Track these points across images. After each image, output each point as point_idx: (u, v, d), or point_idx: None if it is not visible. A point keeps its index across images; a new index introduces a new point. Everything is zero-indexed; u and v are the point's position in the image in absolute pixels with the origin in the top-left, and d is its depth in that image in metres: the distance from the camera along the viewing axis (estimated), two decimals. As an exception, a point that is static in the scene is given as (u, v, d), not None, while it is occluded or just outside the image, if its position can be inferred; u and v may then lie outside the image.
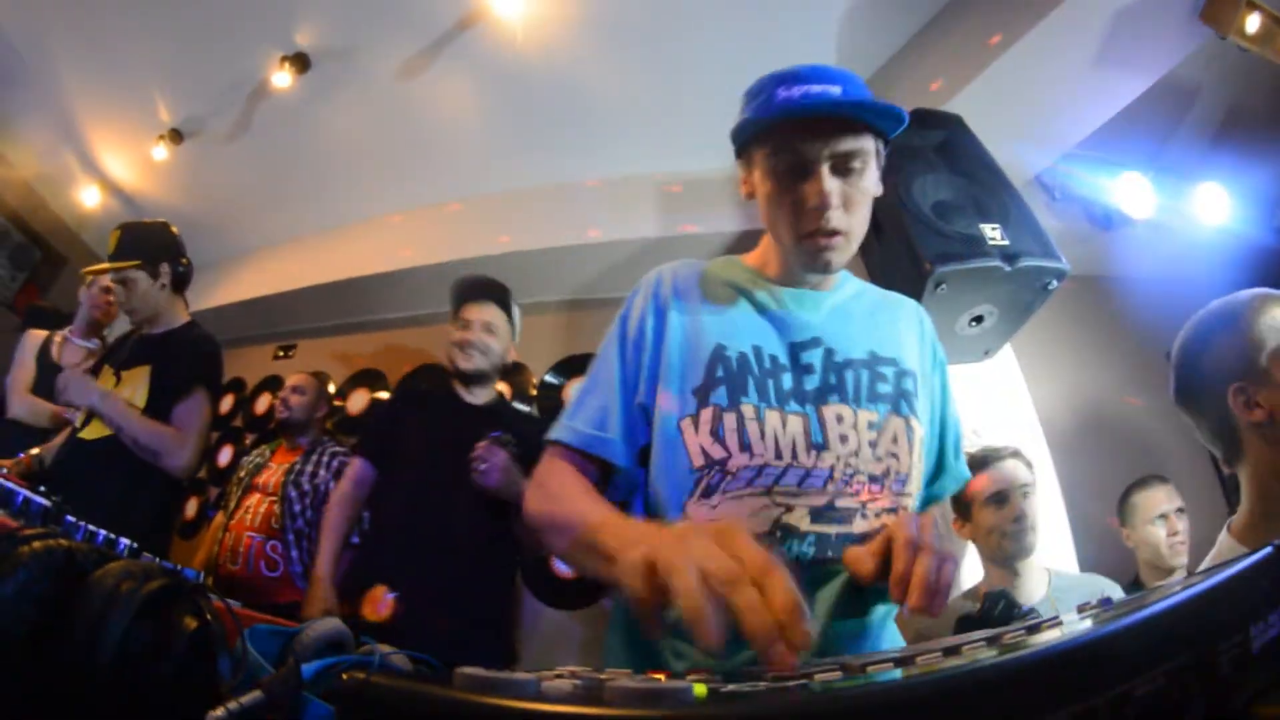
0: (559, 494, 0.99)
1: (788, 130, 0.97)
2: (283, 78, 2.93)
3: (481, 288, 2.32)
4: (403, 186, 3.51)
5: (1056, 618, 0.61)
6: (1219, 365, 1.16)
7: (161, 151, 3.43)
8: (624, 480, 1.05)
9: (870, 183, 1.00)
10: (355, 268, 3.48)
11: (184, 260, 2.33)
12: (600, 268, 3.18)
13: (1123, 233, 3.07)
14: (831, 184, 0.96)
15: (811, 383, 1.00)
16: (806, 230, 0.99)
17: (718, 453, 0.95)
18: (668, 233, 3.02)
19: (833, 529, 0.93)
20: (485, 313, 2.26)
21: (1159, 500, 2.28)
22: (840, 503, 0.94)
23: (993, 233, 1.98)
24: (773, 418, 0.97)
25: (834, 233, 0.98)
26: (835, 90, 0.96)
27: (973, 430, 2.19)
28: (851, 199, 0.98)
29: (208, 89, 3.20)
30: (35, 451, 2.35)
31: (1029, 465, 1.98)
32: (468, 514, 1.99)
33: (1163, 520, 2.25)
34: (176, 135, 3.40)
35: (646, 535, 0.71)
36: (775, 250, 1.10)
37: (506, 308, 2.32)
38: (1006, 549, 1.88)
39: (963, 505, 1.96)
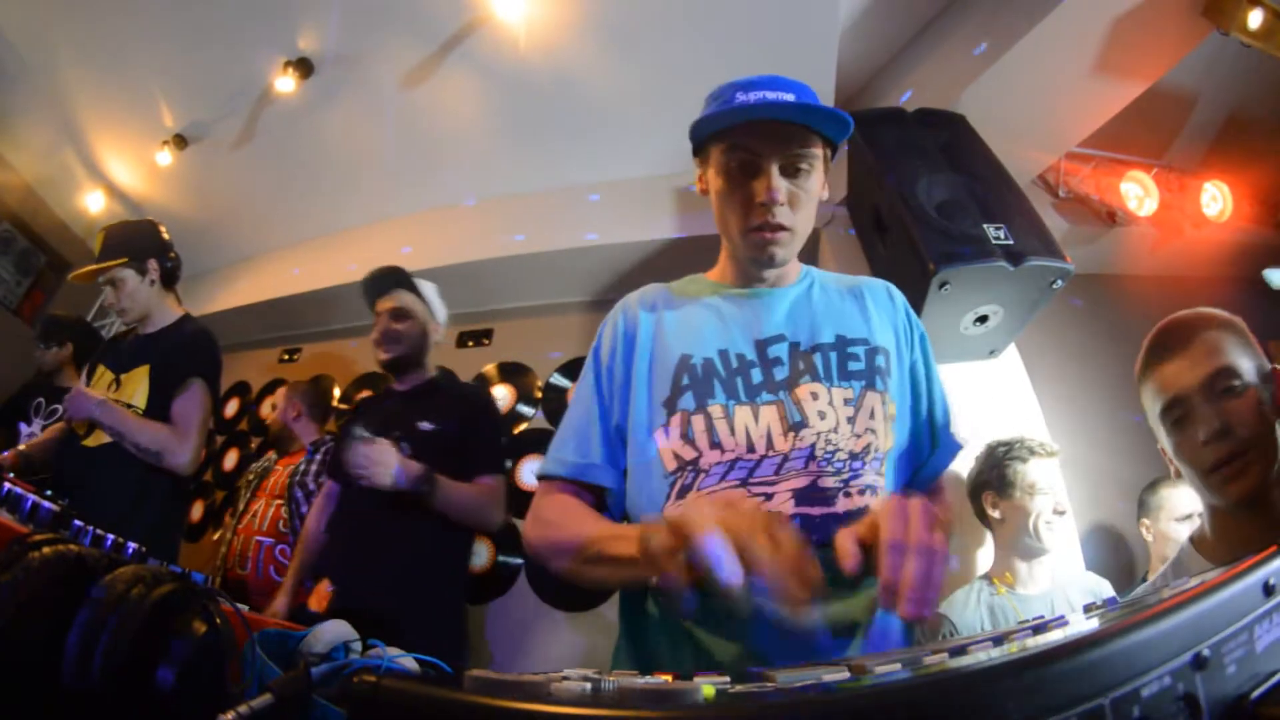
0: (557, 520, 1.04)
1: (743, 131, 1.04)
2: (286, 83, 2.94)
3: (376, 280, 2.33)
4: (407, 190, 3.51)
5: (1062, 618, 0.61)
6: (1151, 397, 1.17)
7: (166, 157, 3.45)
8: (616, 504, 1.09)
9: (815, 185, 1.07)
10: (360, 271, 3.46)
11: (172, 255, 2.31)
12: (611, 270, 3.19)
13: (1126, 231, 3.06)
14: (780, 182, 1.03)
15: (781, 372, 1.04)
16: (753, 224, 1.06)
17: (689, 454, 0.99)
18: (678, 234, 3.02)
19: (816, 510, 0.94)
20: (389, 301, 2.27)
21: (1187, 500, 2.24)
22: (822, 482, 0.95)
23: (996, 232, 1.97)
24: (743, 413, 0.99)
25: (779, 227, 1.05)
26: (789, 97, 1.03)
27: (975, 430, 2.19)
28: (797, 198, 1.05)
29: (212, 94, 3.22)
30: (22, 448, 2.33)
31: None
32: (394, 507, 1.93)
33: (1188, 520, 2.21)
34: (181, 140, 3.41)
35: (656, 524, 0.76)
36: (729, 258, 1.17)
37: (411, 288, 2.31)
38: (1041, 538, 1.88)
39: (1006, 485, 1.95)
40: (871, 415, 1.01)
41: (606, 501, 1.08)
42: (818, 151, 1.05)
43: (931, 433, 1.11)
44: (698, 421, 0.99)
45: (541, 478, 1.11)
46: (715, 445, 0.98)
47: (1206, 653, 0.43)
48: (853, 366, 1.04)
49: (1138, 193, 3.00)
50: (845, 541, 0.74)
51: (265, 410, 3.73)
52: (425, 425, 2.05)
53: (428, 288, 2.36)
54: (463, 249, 3.27)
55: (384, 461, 1.86)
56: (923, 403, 1.11)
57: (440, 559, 2.05)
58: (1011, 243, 1.96)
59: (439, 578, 2.04)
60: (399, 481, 1.85)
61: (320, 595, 1.95)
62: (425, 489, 1.89)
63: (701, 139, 1.11)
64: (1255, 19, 2.09)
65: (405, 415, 2.07)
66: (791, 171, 1.04)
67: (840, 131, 1.04)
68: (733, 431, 0.98)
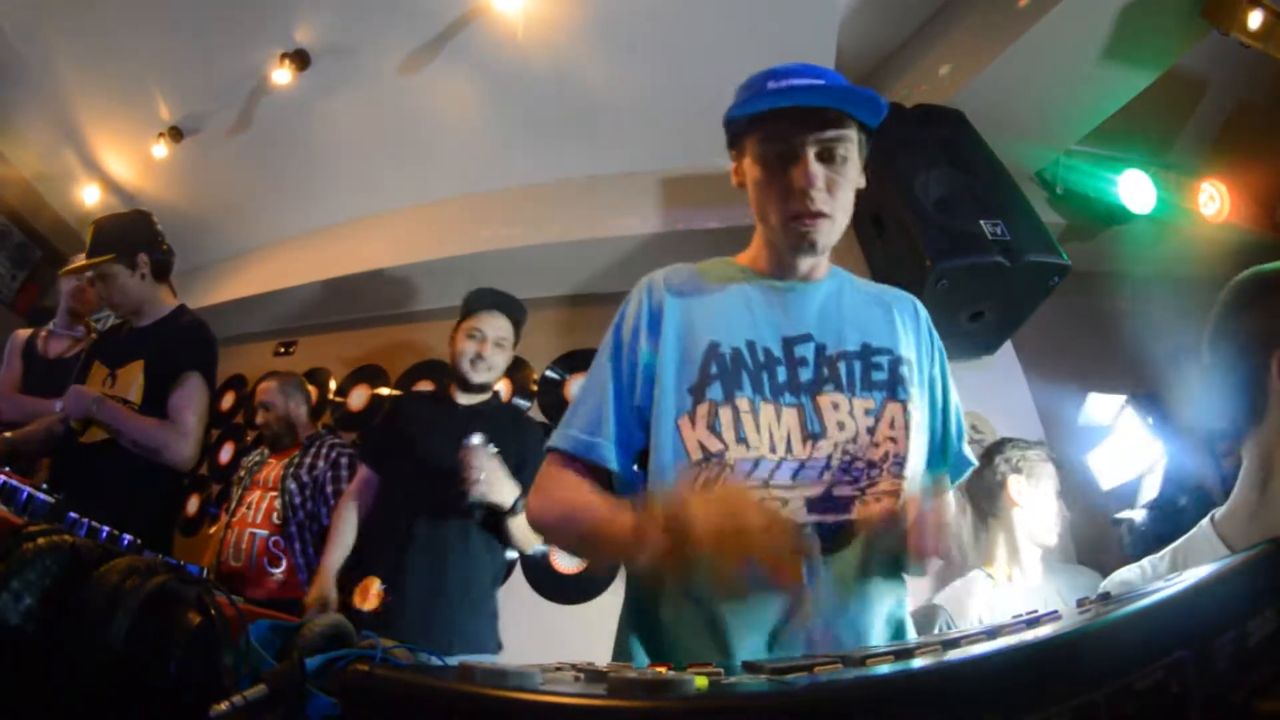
0: (560, 495, 1.05)
1: (777, 120, 1.03)
2: (283, 75, 2.92)
3: (501, 301, 2.36)
4: (403, 182, 3.50)
5: (1055, 612, 0.61)
6: (1273, 318, 1.04)
7: (161, 149, 3.42)
8: (621, 485, 1.08)
9: (853, 170, 1.06)
10: (355, 264, 3.47)
11: (164, 247, 2.27)
12: (601, 263, 3.18)
13: (1124, 229, 3.06)
14: (817, 168, 1.02)
15: (806, 374, 1.03)
16: (793, 212, 1.04)
17: (714, 446, 0.98)
18: (668, 228, 3.02)
19: (829, 518, 0.95)
20: (500, 328, 2.31)
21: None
22: (837, 491, 0.96)
23: (994, 229, 1.98)
24: (768, 411, 1.00)
25: (818, 214, 1.03)
26: (820, 83, 1.03)
27: (971, 426, 2.19)
28: (835, 183, 1.04)
29: (207, 86, 3.20)
30: (8, 435, 2.30)
31: None
32: (455, 510, 2.03)
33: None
34: (176, 133, 3.39)
35: (655, 507, 0.82)
36: (765, 245, 1.15)
37: (519, 325, 2.38)
38: (1039, 535, 1.89)
39: (1006, 481, 1.95)
40: (892, 425, 1.01)
41: (613, 481, 1.07)
42: (852, 135, 1.04)
43: (944, 448, 1.12)
44: (725, 414, 0.99)
45: (549, 450, 1.11)
46: (741, 440, 0.98)
47: (1200, 648, 0.43)
48: (876, 376, 1.04)
49: (1136, 191, 2.99)
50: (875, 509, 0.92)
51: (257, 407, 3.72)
52: (494, 448, 2.10)
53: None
54: (458, 242, 3.26)
55: (504, 478, 2.00)
56: (938, 419, 1.12)
57: (491, 569, 2.18)
58: (1009, 239, 1.96)
59: (490, 586, 2.17)
60: (506, 501, 2.00)
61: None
62: (519, 510, 2.02)
63: (735, 131, 1.10)
64: (1255, 20, 2.08)
65: (469, 428, 2.11)
66: (828, 157, 1.03)
67: (873, 114, 1.04)
68: (758, 429, 0.98)
